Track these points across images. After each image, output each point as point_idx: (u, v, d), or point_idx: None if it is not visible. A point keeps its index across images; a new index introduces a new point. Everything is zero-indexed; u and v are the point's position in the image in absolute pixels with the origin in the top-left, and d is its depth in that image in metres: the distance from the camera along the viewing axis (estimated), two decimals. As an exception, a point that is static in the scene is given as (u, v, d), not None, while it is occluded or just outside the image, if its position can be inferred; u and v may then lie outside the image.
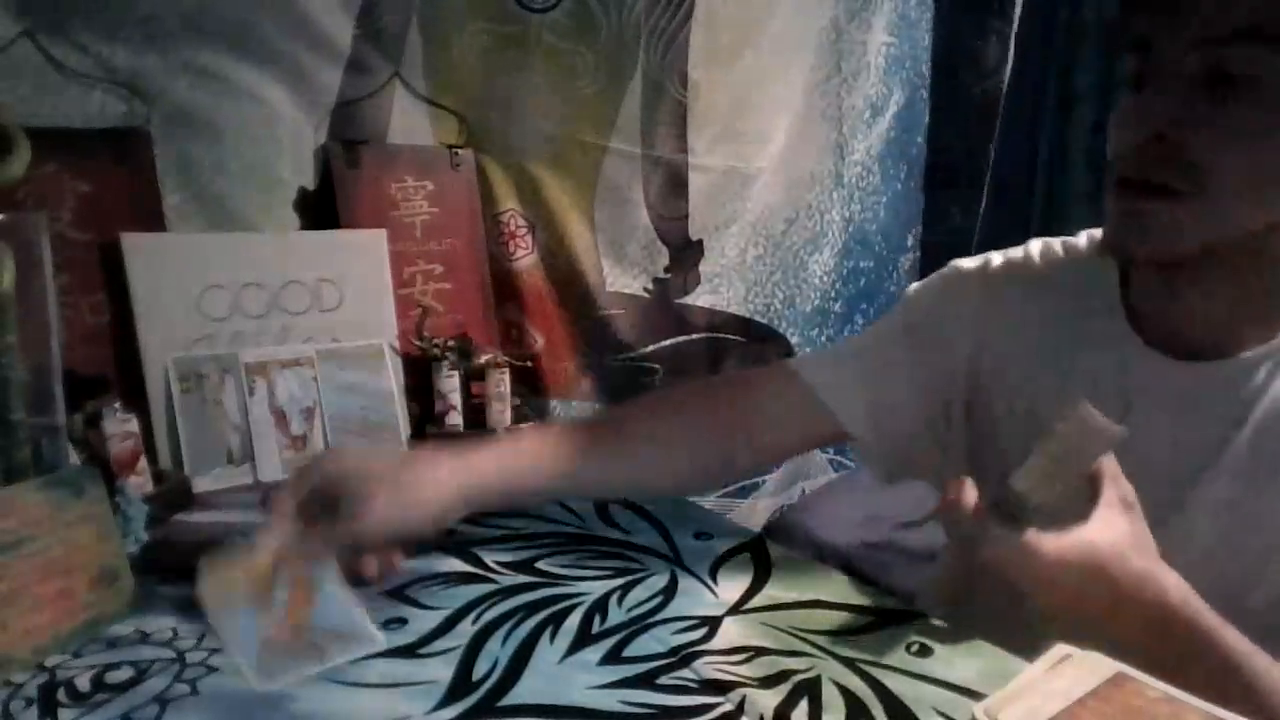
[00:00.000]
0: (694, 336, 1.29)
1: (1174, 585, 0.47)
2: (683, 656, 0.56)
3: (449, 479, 0.60)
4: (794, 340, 1.38)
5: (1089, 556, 0.45)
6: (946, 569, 0.80)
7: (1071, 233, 0.68)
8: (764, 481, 1.38)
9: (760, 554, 0.72)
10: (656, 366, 1.27)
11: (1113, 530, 0.46)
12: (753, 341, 1.33)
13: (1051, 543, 0.44)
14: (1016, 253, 0.70)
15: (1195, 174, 0.50)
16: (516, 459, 0.66)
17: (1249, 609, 0.49)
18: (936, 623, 0.60)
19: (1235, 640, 0.47)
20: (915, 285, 0.74)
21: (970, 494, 0.47)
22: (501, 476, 0.64)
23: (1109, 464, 0.48)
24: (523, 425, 1.05)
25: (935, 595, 0.77)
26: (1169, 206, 0.51)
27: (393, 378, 1.03)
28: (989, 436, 0.68)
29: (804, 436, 0.75)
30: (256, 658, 0.52)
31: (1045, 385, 0.63)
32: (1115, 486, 0.47)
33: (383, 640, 0.54)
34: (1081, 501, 0.47)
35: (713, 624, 0.60)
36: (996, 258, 0.71)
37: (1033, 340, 0.65)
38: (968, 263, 0.72)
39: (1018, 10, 1.50)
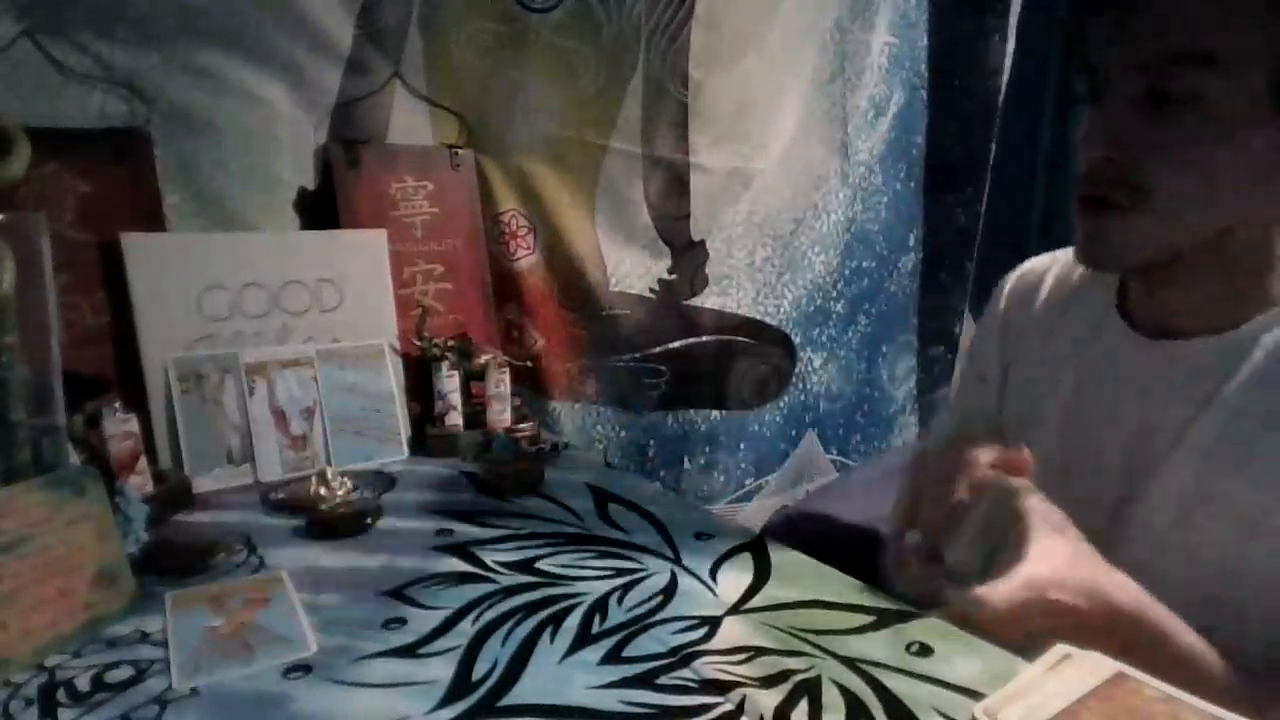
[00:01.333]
0: (703, 339, 1.28)
1: (1119, 585, 0.49)
2: (683, 656, 0.56)
3: None
4: (796, 340, 1.38)
5: (1034, 591, 0.47)
6: None
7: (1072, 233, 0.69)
8: (767, 483, 1.38)
9: (760, 554, 0.72)
10: (663, 368, 1.27)
11: (1050, 559, 0.48)
12: (761, 344, 1.33)
13: (998, 593, 0.46)
14: (1063, 254, 0.73)
15: (1141, 191, 0.53)
16: None
17: (1213, 594, 0.51)
18: (937, 623, 0.60)
19: (1184, 632, 0.49)
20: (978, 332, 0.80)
21: (916, 551, 0.50)
22: None
23: (1029, 497, 0.50)
24: (523, 424, 1.05)
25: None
26: (1122, 222, 0.55)
27: (393, 378, 1.03)
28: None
29: None
30: (188, 656, 0.56)
31: (1043, 385, 0.67)
32: (1042, 517, 0.49)
33: (314, 647, 0.57)
34: (1015, 541, 0.49)
35: (713, 624, 0.60)
36: (1043, 261, 0.75)
37: (1046, 344, 0.69)
38: (1023, 270, 0.76)
39: (1016, 9, 1.50)
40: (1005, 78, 1.52)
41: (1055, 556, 0.49)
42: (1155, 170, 0.53)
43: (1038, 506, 0.50)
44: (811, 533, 1.14)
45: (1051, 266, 0.73)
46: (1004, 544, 0.49)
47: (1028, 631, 0.49)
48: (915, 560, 0.51)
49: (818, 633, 0.59)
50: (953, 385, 0.82)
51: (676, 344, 1.27)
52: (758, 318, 1.33)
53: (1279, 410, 0.54)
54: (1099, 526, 0.54)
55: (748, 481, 1.36)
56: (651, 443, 1.27)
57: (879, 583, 0.65)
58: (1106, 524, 0.59)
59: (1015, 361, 0.73)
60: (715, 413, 1.29)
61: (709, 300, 1.28)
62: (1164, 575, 0.51)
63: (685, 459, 1.28)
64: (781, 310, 1.35)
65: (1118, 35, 0.53)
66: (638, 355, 1.26)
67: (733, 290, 1.29)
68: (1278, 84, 0.49)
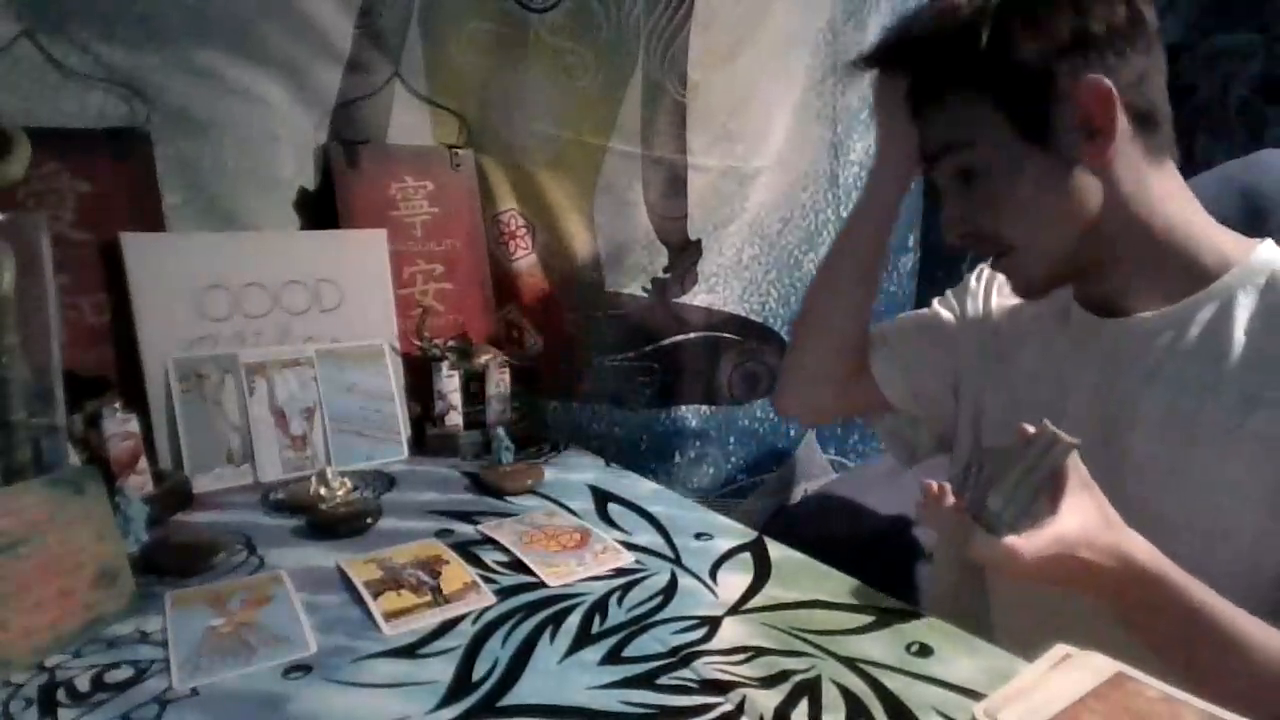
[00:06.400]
0: (691, 336, 1.29)
1: (1139, 547, 0.52)
2: (683, 656, 0.56)
3: None
4: (789, 339, 1.38)
5: (1063, 547, 0.50)
6: (940, 565, 0.85)
7: None
8: (764, 481, 1.38)
9: (760, 554, 0.72)
10: (655, 366, 1.27)
11: (1079, 516, 0.51)
12: (750, 340, 1.33)
13: (1028, 545, 0.49)
14: None
15: (1000, 239, 0.65)
16: None
17: (1193, 560, 0.54)
18: (937, 623, 0.60)
19: (1200, 590, 0.52)
20: (979, 268, 0.85)
21: (948, 496, 0.53)
22: None
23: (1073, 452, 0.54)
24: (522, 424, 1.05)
25: (936, 590, 0.84)
26: (1008, 263, 0.67)
27: (393, 378, 1.03)
28: (977, 419, 0.77)
29: (867, 403, 0.87)
30: (188, 656, 0.56)
31: (1023, 371, 0.73)
32: (1076, 473, 0.53)
33: (314, 647, 0.57)
34: (1048, 495, 0.52)
35: (713, 624, 0.60)
36: None
37: (1027, 329, 0.75)
38: None
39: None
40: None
41: (1086, 516, 0.52)
42: (995, 223, 0.65)
43: (1076, 461, 0.53)
44: (839, 515, 1.15)
45: None
46: (1039, 494, 0.52)
47: (1053, 583, 0.52)
48: (943, 505, 0.54)
49: (818, 633, 0.59)
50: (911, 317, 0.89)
51: (667, 341, 1.27)
52: (743, 315, 1.33)
53: (1214, 381, 0.59)
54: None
55: (740, 478, 1.36)
56: (644, 438, 1.27)
57: (902, 567, 0.66)
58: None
59: (999, 346, 0.77)
60: (705, 408, 1.30)
61: (698, 298, 1.28)
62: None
63: (676, 453, 1.28)
64: (767, 307, 1.35)
65: (923, 150, 0.70)
66: (632, 354, 1.26)
67: (720, 288, 1.29)
68: (1018, 134, 0.61)
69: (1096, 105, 0.59)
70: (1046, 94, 0.60)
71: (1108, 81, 0.58)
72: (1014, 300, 0.78)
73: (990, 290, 0.81)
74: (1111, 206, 0.62)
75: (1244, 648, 0.51)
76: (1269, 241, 0.63)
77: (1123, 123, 0.60)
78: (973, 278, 0.84)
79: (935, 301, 0.86)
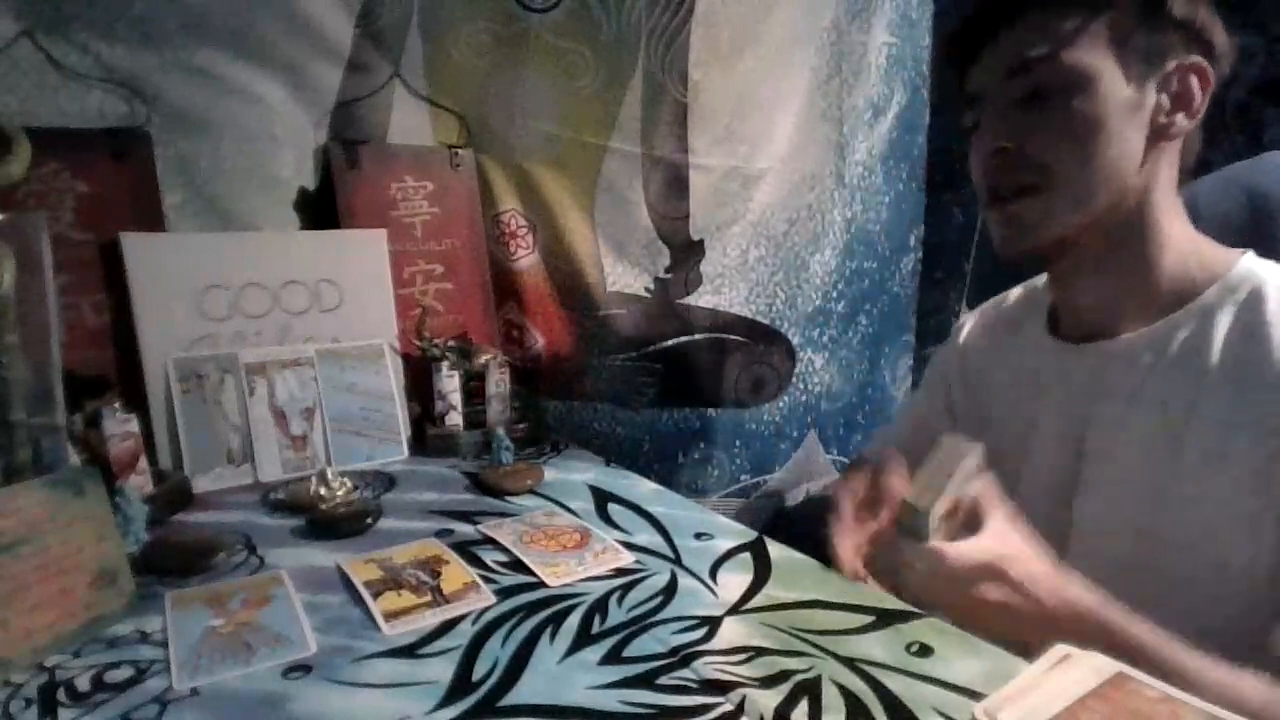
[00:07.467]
0: (696, 337, 1.29)
1: (1076, 581, 0.53)
2: (683, 656, 0.56)
3: None
4: (795, 340, 1.38)
5: (989, 558, 0.51)
6: None
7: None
8: (766, 481, 1.38)
9: (760, 554, 0.72)
10: (658, 367, 1.27)
11: (1006, 540, 0.53)
12: (755, 342, 1.33)
13: (953, 549, 0.51)
14: (1016, 290, 0.83)
15: (1043, 169, 0.62)
16: None
17: (1163, 575, 0.55)
18: (937, 623, 0.60)
19: (1147, 632, 0.52)
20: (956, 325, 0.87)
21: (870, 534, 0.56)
22: None
23: (990, 490, 0.56)
24: (522, 424, 1.05)
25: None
26: (1031, 202, 0.63)
27: (393, 378, 1.03)
28: None
29: None
30: (188, 656, 0.56)
31: (994, 404, 0.75)
32: (1000, 507, 0.54)
33: (314, 647, 0.57)
34: (972, 514, 0.54)
35: (713, 624, 0.60)
36: (996, 299, 0.84)
37: (996, 366, 0.77)
38: (982, 307, 0.85)
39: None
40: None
41: (1013, 542, 0.54)
42: (1049, 149, 0.62)
43: (999, 496, 0.55)
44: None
45: (1002, 302, 0.83)
46: (944, 492, 0.54)
47: (985, 619, 0.53)
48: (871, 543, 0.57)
49: (818, 633, 0.59)
50: (913, 401, 0.93)
51: (670, 342, 1.27)
52: (750, 316, 1.32)
53: (1196, 400, 0.59)
54: (1051, 519, 0.59)
55: (743, 478, 1.36)
56: (647, 439, 1.27)
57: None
58: (1058, 520, 0.63)
59: (972, 383, 0.80)
60: (710, 410, 1.30)
61: (702, 299, 1.28)
62: (1116, 557, 0.56)
63: (680, 454, 1.28)
64: (774, 309, 1.34)
65: (990, 59, 0.65)
66: (634, 354, 1.26)
67: (725, 289, 1.29)
68: (1122, 67, 0.60)
69: (1197, 82, 0.61)
70: (1164, 49, 0.61)
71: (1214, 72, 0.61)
72: (983, 340, 0.80)
73: (959, 334, 0.84)
74: (1139, 196, 0.63)
75: (1190, 687, 0.49)
76: (1249, 254, 0.63)
77: (1195, 121, 0.62)
78: (935, 363, 0.87)
79: (920, 388, 0.90)
